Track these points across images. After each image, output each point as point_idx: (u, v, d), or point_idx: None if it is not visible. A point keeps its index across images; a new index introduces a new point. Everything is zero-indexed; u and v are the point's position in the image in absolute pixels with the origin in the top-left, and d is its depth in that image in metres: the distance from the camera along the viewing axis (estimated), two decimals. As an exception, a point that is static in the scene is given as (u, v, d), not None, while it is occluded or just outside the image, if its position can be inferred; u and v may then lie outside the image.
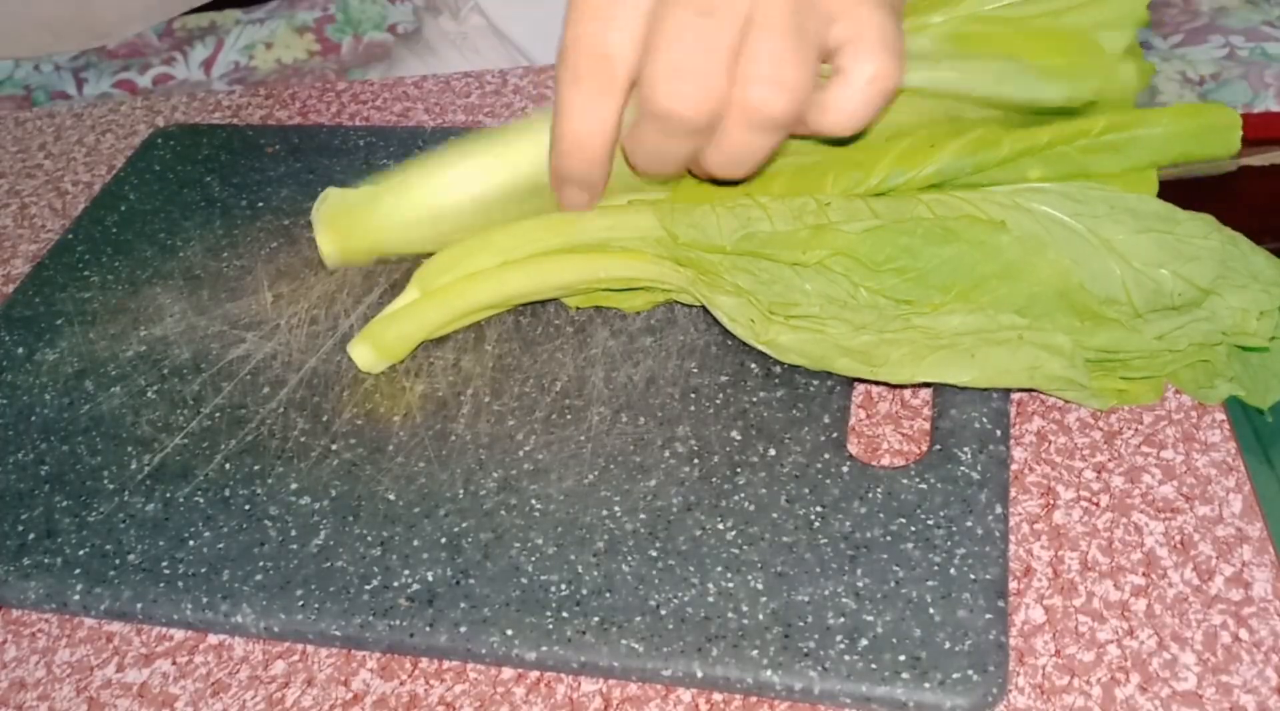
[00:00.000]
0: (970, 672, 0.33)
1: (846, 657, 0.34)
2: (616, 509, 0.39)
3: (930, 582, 0.35)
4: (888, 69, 0.37)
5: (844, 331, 0.40)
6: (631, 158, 0.41)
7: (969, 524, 0.37)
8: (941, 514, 0.37)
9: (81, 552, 0.40)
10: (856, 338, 0.40)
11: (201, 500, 0.41)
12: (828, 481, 0.39)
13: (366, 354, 0.45)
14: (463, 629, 0.36)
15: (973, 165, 0.41)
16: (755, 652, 0.34)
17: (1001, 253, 0.38)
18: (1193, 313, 0.39)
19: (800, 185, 0.42)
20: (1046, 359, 0.39)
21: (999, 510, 0.37)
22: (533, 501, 0.39)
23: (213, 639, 0.38)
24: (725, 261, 0.41)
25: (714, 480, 0.39)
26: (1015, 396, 0.43)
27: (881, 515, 0.38)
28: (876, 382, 0.43)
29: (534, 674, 0.36)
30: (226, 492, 0.41)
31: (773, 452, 0.40)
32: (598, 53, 0.37)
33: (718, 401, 0.42)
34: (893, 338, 0.40)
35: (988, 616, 0.34)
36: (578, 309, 0.47)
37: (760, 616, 0.35)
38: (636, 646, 0.35)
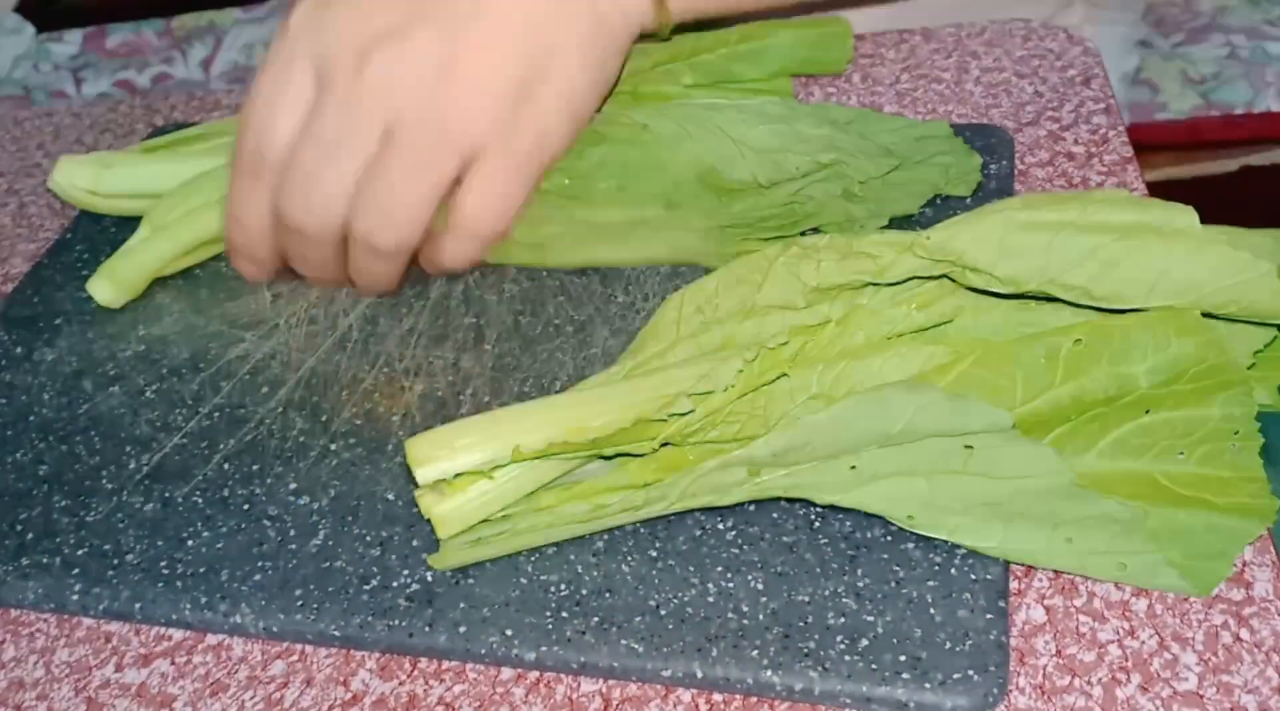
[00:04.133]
0: (971, 672, 0.33)
1: (847, 657, 0.34)
2: (616, 508, 0.39)
3: (931, 582, 0.35)
4: (490, 229, 0.38)
5: (521, 229, 0.46)
6: (291, 261, 0.41)
7: (969, 523, 0.37)
8: (942, 513, 0.37)
9: (80, 552, 0.39)
10: (534, 235, 0.47)
11: (200, 500, 0.41)
12: (828, 481, 0.39)
13: (105, 289, 0.49)
14: (462, 629, 0.36)
15: (628, 69, 0.48)
16: (755, 653, 0.34)
17: (646, 148, 0.47)
18: (817, 176, 0.47)
19: None
20: (683, 236, 0.47)
21: (999, 510, 0.37)
22: (532, 501, 0.39)
23: (211, 639, 0.38)
24: None
25: (714, 480, 0.39)
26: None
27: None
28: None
29: (533, 674, 0.36)
30: (225, 492, 0.41)
31: (773, 452, 0.40)
32: (253, 144, 0.37)
33: (718, 401, 0.42)
34: (560, 232, 0.47)
35: (988, 616, 0.34)
36: (573, 312, 0.50)
37: (760, 616, 0.35)
38: (636, 646, 0.35)
